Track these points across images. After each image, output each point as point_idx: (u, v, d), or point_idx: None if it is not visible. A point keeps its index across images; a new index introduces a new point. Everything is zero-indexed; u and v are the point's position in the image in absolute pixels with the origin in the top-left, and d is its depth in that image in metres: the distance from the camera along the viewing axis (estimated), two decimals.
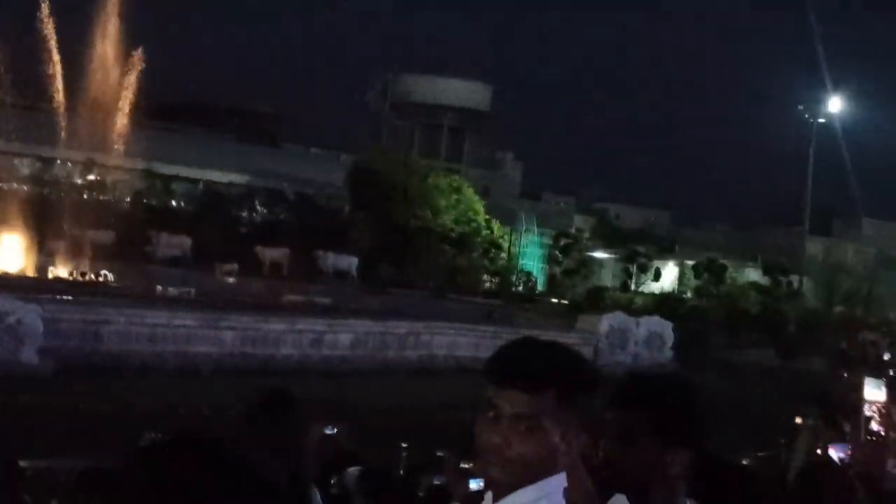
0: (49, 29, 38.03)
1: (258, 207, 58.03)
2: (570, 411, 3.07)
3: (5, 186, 46.19)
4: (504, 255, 58.00)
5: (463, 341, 27.25)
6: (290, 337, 24.19)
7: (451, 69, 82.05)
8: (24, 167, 52.26)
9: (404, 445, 10.71)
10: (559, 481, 3.08)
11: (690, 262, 56.67)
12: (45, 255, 35.92)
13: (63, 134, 42.63)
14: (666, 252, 62.74)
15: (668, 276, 59.29)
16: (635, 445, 3.60)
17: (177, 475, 2.42)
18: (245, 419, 5.91)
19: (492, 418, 3.07)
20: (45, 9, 37.74)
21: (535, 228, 62.66)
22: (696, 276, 53.86)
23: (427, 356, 26.54)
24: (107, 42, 38.45)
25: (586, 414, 3.14)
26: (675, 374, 5.82)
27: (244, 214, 57.02)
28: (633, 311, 39.28)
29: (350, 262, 48.22)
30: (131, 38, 38.86)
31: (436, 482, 7.25)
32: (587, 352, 28.95)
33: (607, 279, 61.93)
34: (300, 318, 25.78)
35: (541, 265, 60.68)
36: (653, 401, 3.67)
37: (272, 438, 5.55)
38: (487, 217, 56.59)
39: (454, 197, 55.18)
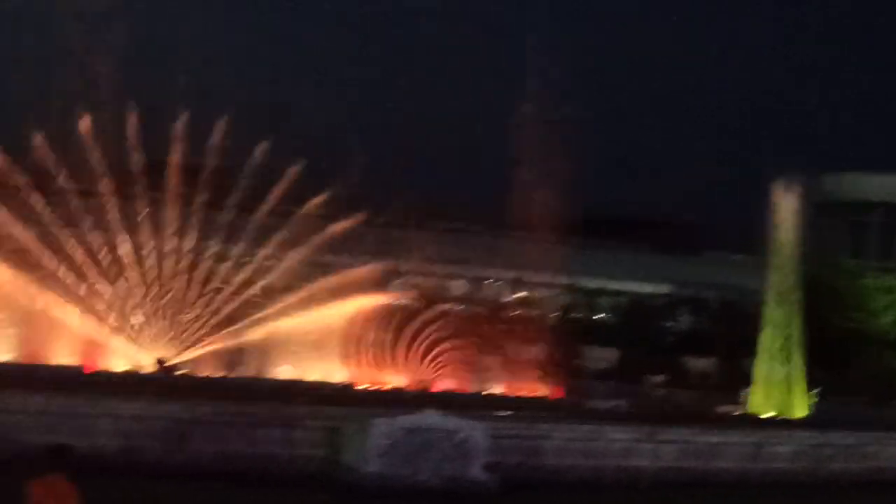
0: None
1: (682, 317, 57.70)
2: None
3: (441, 306, 48.50)
4: None
5: None
6: (728, 449, 23.63)
7: (878, 163, 78.60)
8: (457, 287, 54.80)
9: None
10: None
11: None
12: (481, 371, 37.29)
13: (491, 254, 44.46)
14: None
15: None
16: None
17: None
18: None
19: None
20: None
21: None
22: None
23: (875, 469, 25.04)
24: (530, 162, 39.73)
25: None
26: None
27: (669, 324, 56.85)
28: None
29: None
30: (553, 158, 39.98)
31: None
32: None
33: None
34: (736, 430, 25.16)
35: None
36: None
37: None
38: None
39: (889, 297, 52.43)
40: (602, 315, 57.19)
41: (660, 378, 42.05)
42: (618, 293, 60.11)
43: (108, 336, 34.44)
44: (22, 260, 34.05)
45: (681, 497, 20.72)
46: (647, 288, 60.44)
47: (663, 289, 60.45)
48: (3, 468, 17.77)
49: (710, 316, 56.90)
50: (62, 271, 34.51)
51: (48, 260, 34.46)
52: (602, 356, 46.61)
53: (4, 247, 34.07)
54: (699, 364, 46.64)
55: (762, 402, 35.21)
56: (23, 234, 34.46)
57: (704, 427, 25.36)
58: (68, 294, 34.34)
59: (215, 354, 34.97)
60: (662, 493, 21.48)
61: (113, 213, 35.73)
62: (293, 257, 37.81)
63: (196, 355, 34.76)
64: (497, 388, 36.60)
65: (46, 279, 34.05)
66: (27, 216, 34.58)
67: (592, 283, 56.75)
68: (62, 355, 33.14)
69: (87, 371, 31.94)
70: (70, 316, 34.03)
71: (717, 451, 23.60)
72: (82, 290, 34.76)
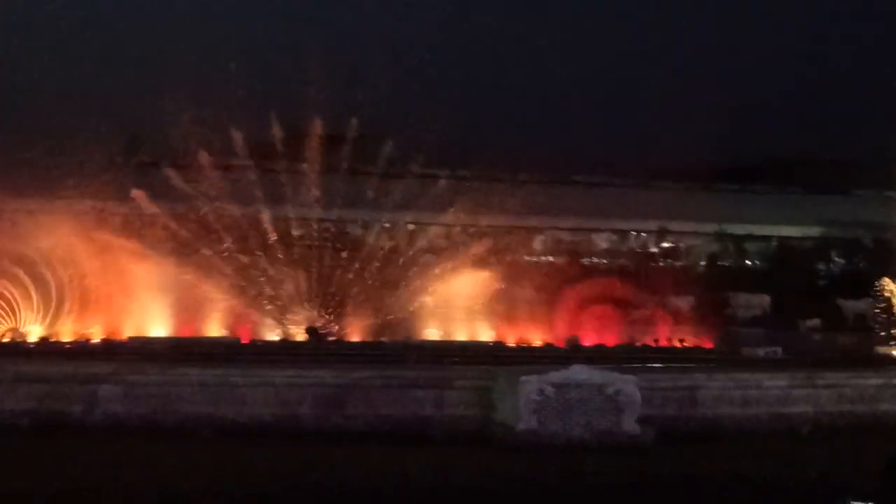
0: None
1: (835, 258, 56.31)
2: None
3: (586, 261, 48.32)
4: None
5: None
6: (890, 392, 22.97)
7: None
8: (602, 241, 54.50)
9: None
10: None
11: None
12: (629, 324, 37.08)
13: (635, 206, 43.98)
14: None
15: None
16: None
17: None
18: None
19: None
20: None
21: None
22: None
23: None
24: (667, 110, 39.20)
25: None
26: None
27: (821, 267, 55.56)
28: None
29: None
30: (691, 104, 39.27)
31: None
32: None
33: None
34: None
35: None
36: None
37: None
38: None
39: None
40: (751, 261, 56.18)
41: (815, 322, 41.18)
42: (766, 238, 58.94)
43: (261, 307, 35.23)
44: (175, 236, 35.01)
45: (842, 442, 20.23)
46: (796, 231, 59.11)
47: (814, 231, 59.03)
48: (167, 436, 18.40)
49: (864, 256, 55.38)
50: (214, 246, 35.37)
51: (200, 235, 35.34)
52: (753, 303, 45.82)
53: (158, 225, 35.06)
54: (855, 306, 45.44)
55: None
56: (175, 211, 35.39)
57: (864, 370, 24.70)
58: (221, 268, 35.20)
59: (365, 320, 35.47)
60: (822, 438, 21.02)
61: (260, 186, 36.42)
62: (439, 221, 38.05)
63: (346, 322, 35.31)
64: (647, 340, 36.37)
65: (199, 254, 34.94)
66: (179, 194, 35.50)
67: (740, 229, 55.78)
68: (218, 328, 34.06)
69: (243, 342, 32.78)
70: (224, 289, 34.89)
71: (878, 395, 22.97)
72: (235, 262, 35.59)
